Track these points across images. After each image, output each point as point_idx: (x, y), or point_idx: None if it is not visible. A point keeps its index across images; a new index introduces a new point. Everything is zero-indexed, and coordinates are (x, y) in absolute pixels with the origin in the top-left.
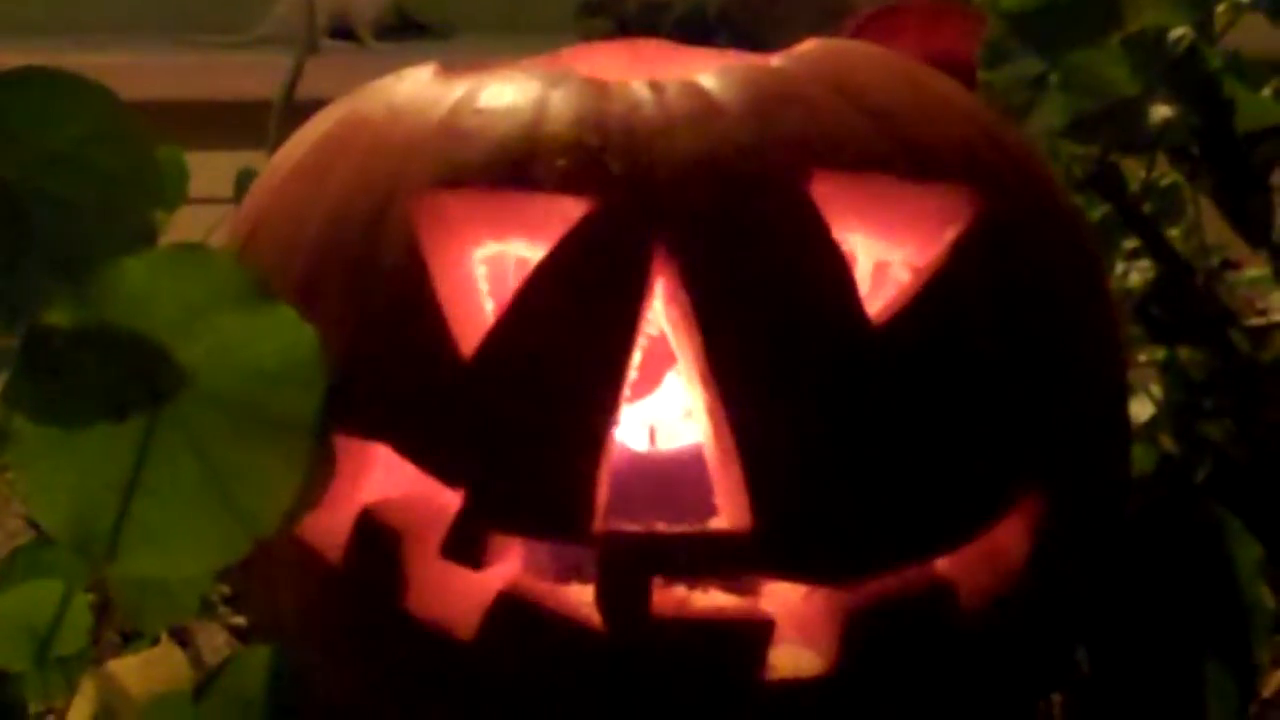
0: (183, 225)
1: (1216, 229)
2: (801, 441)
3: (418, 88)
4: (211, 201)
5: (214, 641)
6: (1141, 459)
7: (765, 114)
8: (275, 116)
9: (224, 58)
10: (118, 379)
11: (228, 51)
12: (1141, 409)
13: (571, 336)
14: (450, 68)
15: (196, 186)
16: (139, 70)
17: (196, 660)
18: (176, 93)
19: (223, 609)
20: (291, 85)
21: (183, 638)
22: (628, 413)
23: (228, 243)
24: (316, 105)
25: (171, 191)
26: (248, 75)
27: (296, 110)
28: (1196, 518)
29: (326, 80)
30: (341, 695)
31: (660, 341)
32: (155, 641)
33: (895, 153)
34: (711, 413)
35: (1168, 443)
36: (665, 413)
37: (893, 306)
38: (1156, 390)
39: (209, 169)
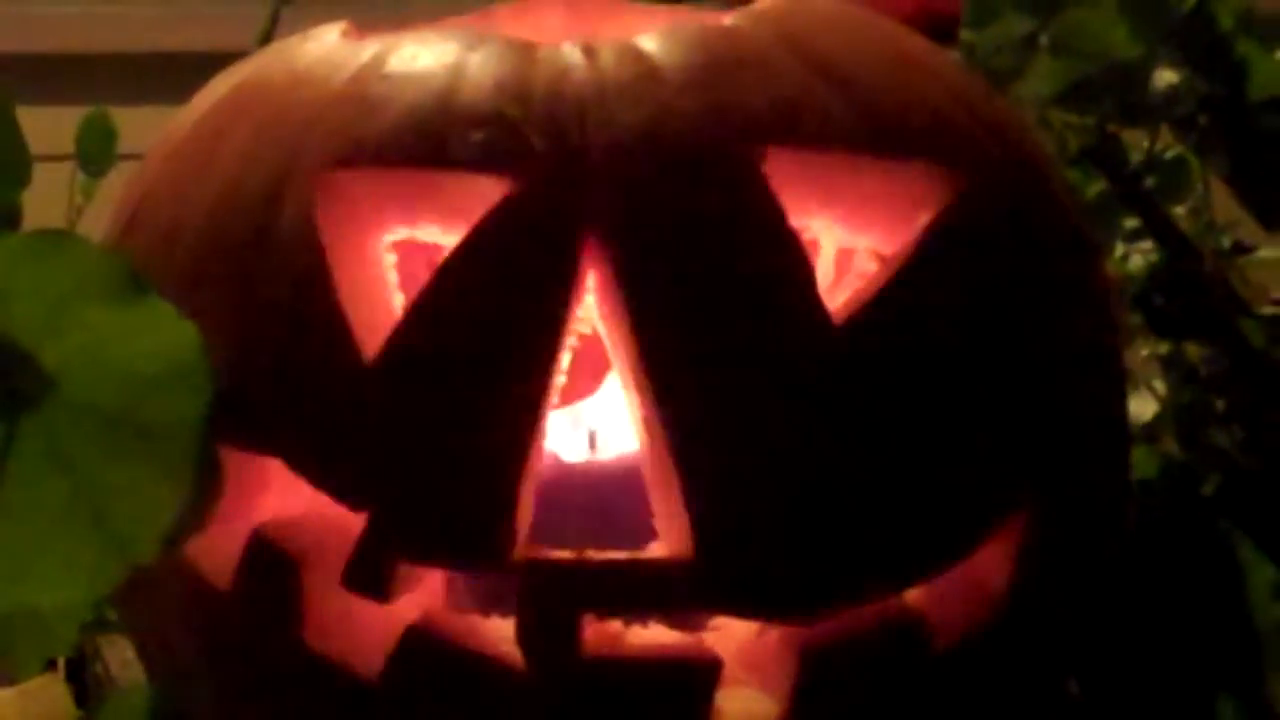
0: None
1: (1226, 207)
2: (750, 458)
3: (322, 50)
4: None
5: (122, 656)
6: (1144, 464)
7: (713, 82)
8: None
9: (200, 7)
10: None
11: (204, 1)
12: (1143, 408)
13: (488, 336)
14: (364, 27)
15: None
16: (114, 21)
17: (104, 678)
18: (152, 44)
19: None
20: (267, 36)
21: (88, 654)
22: (562, 417)
23: (110, 225)
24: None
25: (100, 157)
26: (224, 25)
27: None
28: (1204, 534)
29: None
30: None
31: (598, 339)
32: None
33: (861, 126)
34: (648, 424)
35: (1172, 447)
36: (607, 416)
37: (857, 301)
38: (1160, 387)
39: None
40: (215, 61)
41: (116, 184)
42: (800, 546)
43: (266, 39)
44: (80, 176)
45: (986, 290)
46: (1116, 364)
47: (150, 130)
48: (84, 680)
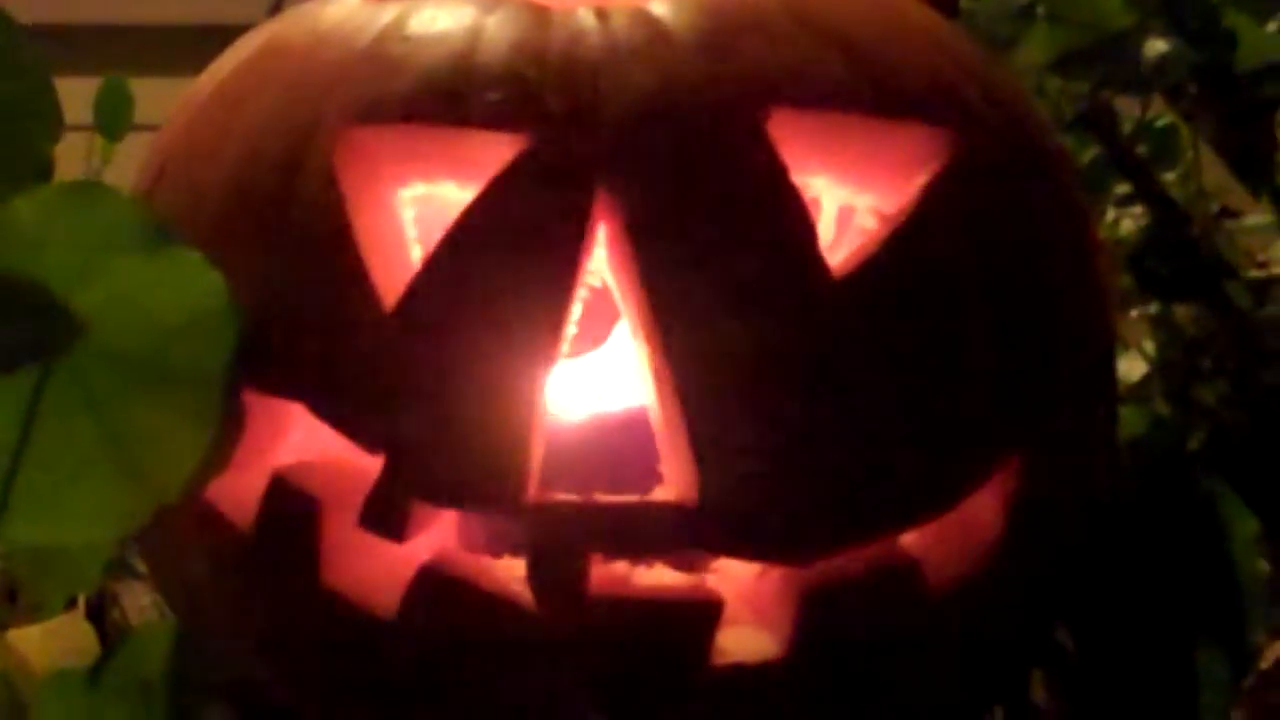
0: None
1: (1215, 174)
2: (753, 406)
3: (345, 12)
4: None
5: (140, 603)
6: (1133, 421)
7: (720, 46)
8: None
9: None
10: (5, 329)
11: None
12: (1133, 368)
13: (503, 287)
14: None
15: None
16: None
17: (123, 623)
18: (160, 17)
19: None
20: (275, 8)
21: (107, 599)
22: (570, 369)
23: (138, 181)
24: None
25: (116, 122)
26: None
27: None
28: (1189, 488)
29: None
30: (253, 671)
31: (608, 292)
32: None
33: (862, 88)
34: (656, 373)
35: (1161, 405)
36: (612, 369)
37: (857, 257)
38: (1150, 347)
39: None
40: (227, 34)
41: (132, 152)
42: (799, 492)
43: (276, 10)
44: (99, 140)
45: (981, 248)
46: (1105, 323)
47: (163, 101)
48: (103, 624)
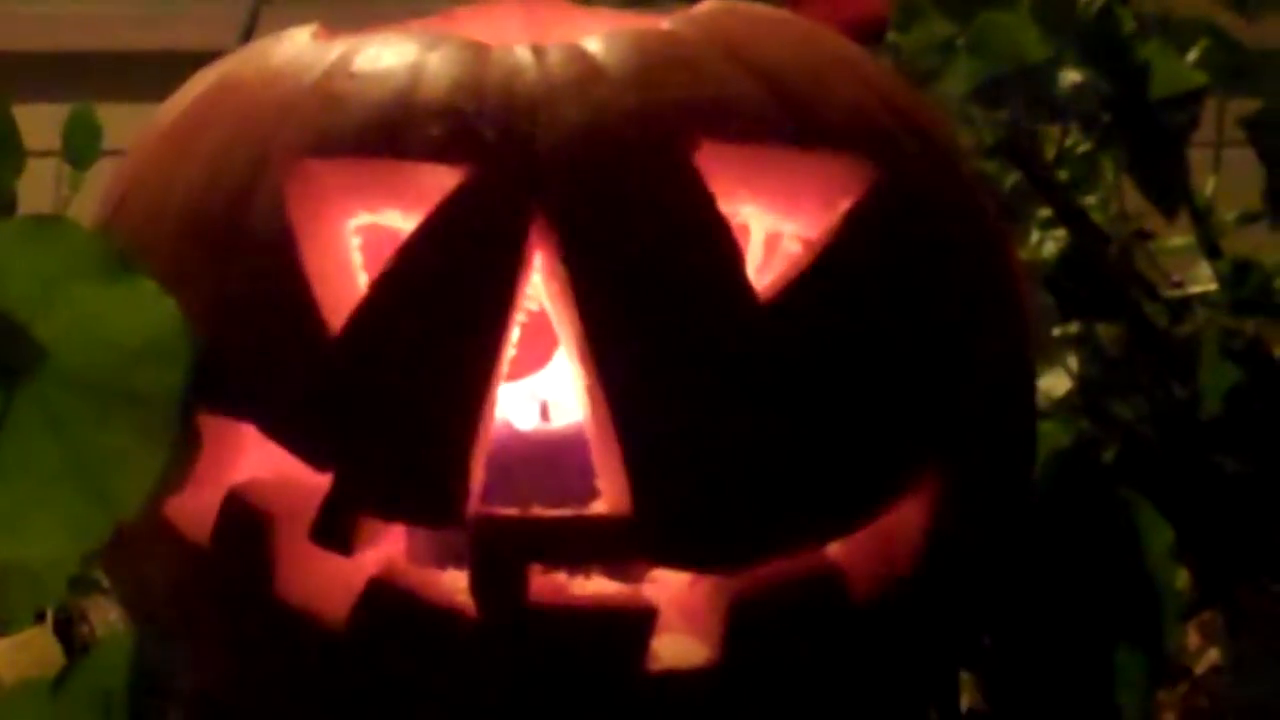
0: None
1: (1136, 197)
2: (683, 423)
3: (294, 50)
4: None
5: (108, 618)
6: (1058, 436)
7: (651, 80)
8: None
9: (179, 6)
10: None
11: (187, 1)
12: (1057, 384)
13: (444, 311)
14: (332, 29)
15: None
16: (93, 20)
17: (90, 638)
18: (130, 43)
19: None
20: (247, 35)
21: (73, 615)
22: (517, 389)
23: (100, 209)
24: None
25: (85, 151)
26: (203, 25)
27: None
28: (1106, 499)
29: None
30: (210, 683)
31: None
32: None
33: (786, 120)
34: (591, 392)
35: (1080, 419)
36: (557, 388)
37: (782, 281)
38: (1074, 364)
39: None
40: (195, 60)
41: (101, 179)
42: (728, 504)
43: (247, 38)
44: (67, 170)
45: (901, 272)
46: (1023, 341)
47: (131, 127)
48: (71, 640)
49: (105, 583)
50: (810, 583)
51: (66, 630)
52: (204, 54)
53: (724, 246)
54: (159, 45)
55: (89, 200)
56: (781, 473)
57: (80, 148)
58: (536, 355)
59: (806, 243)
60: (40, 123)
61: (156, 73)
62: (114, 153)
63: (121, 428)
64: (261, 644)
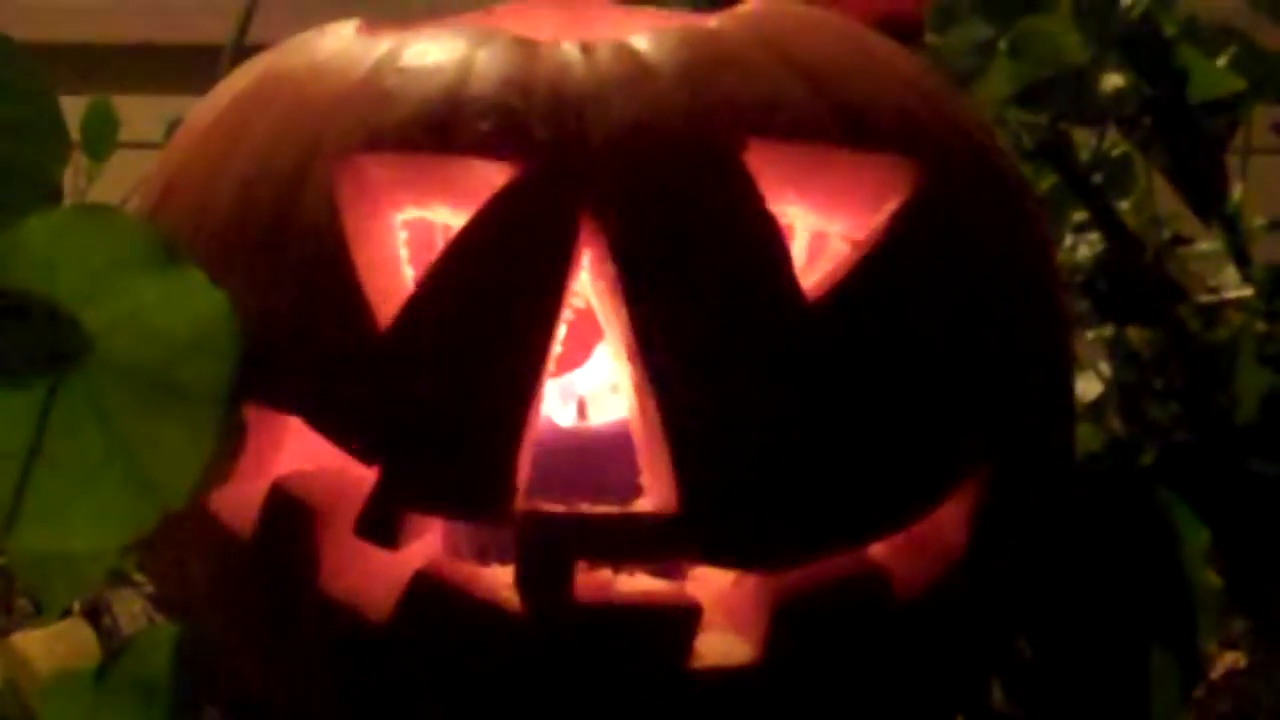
0: (131, 173)
1: (1170, 202)
2: (730, 421)
3: (340, 44)
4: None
5: (131, 610)
6: (1089, 439)
7: (699, 79)
8: (227, 60)
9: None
10: (18, 344)
11: None
12: (1089, 387)
13: (492, 308)
14: (374, 24)
15: (146, 133)
16: (91, 13)
17: (113, 630)
18: (128, 36)
19: (139, 576)
20: (243, 28)
21: (99, 606)
22: (555, 386)
23: (141, 201)
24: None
25: (102, 143)
26: (200, 18)
27: (248, 54)
28: (1142, 501)
29: (279, 23)
30: (250, 675)
31: (591, 311)
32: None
33: (833, 120)
34: (638, 389)
35: (1115, 423)
36: (595, 386)
37: (829, 281)
38: (1105, 368)
39: (160, 114)
40: (212, 54)
41: (117, 169)
42: (774, 503)
43: (241, 35)
44: (84, 161)
45: (947, 271)
46: (1063, 343)
47: (148, 119)
48: (96, 631)
49: (131, 573)
50: (855, 582)
51: (93, 621)
52: (221, 48)
53: (773, 246)
54: (176, 39)
55: (104, 192)
56: (827, 472)
57: (97, 140)
58: (575, 352)
59: (853, 243)
60: None
61: (174, 66)
62: (131, 145)
63: (168, 419)
64: (304, 638)
